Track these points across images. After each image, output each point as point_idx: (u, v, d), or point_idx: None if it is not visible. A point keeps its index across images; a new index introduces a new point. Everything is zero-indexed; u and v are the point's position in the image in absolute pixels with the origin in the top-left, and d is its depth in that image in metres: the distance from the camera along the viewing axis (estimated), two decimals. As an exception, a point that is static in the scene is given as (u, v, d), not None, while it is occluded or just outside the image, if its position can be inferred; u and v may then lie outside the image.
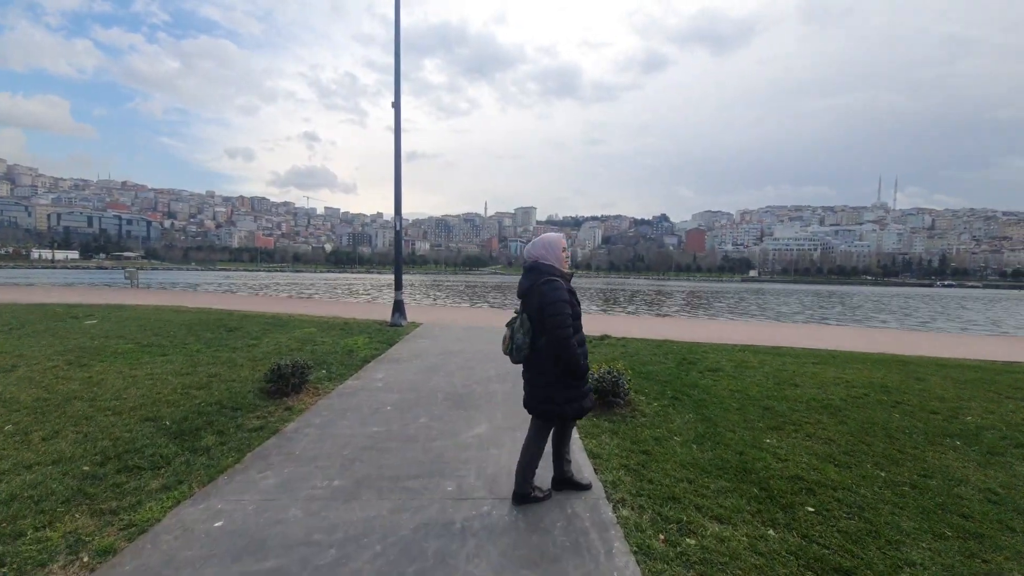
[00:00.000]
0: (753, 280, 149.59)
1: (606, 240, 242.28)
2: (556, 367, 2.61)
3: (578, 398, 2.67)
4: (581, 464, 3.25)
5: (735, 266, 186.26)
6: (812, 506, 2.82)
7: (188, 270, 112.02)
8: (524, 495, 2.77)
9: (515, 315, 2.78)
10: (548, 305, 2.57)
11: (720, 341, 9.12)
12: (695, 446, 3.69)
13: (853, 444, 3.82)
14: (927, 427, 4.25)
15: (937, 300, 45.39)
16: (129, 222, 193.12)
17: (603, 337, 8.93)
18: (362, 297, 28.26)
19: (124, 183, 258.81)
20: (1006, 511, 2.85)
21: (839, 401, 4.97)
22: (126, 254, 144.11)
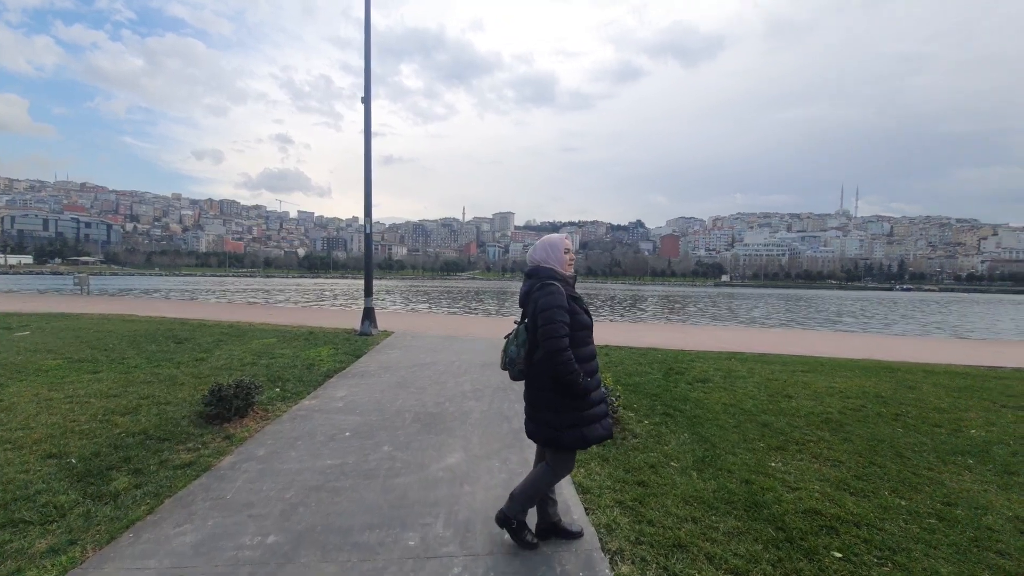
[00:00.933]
0: (725, 285, 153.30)
1: (583, 246, 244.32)
2: (554, 386, 2.20)
3: (579, 424, 2.22)
4: (569, 502, 2.78)
5: (708, 271, 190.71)
6: (838, 550, 2.43)
7: (150, 275, 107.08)
8: (509, 520, 2.32)
9: (516, 325, 2.37)
10: (540, 312, 2.18)
11: (704, 348, 8.84)
12: (695, 473, 3.28)
13: (864, 466, 3.48)
14: (935, 443, 3.96)
15: (898, 304, 47.07)
16: (88, 225, 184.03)
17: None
18: (334, 303, 27.22)
19: (83, 185, 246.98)
20: (1045, 546, 2.52)
21: (838, 414, 4.67)
22: (84, 259, 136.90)
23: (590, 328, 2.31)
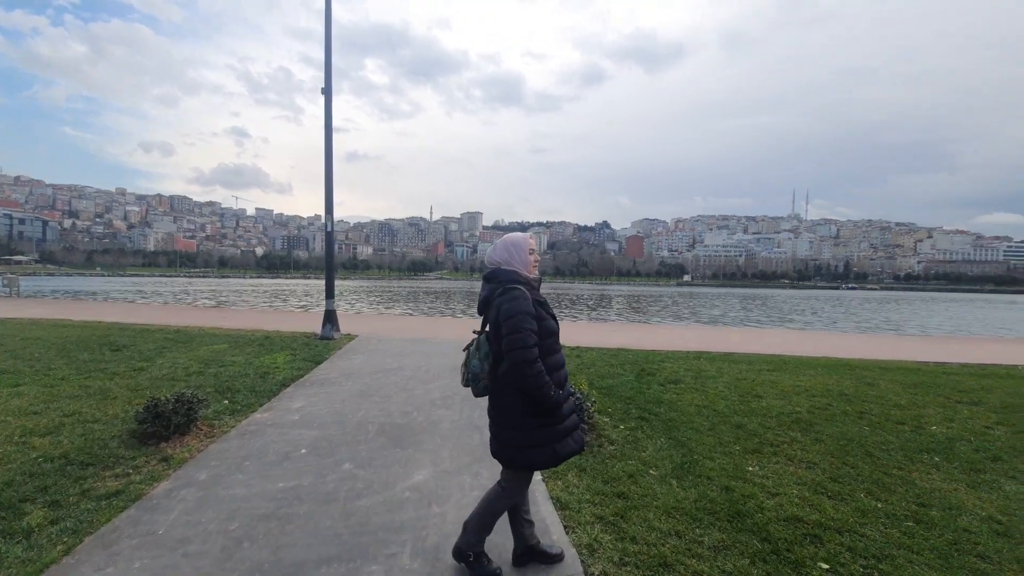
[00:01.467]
0: (687, 284, 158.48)
1: (551, 246, 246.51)
2: (522, 400, 1.99)
3: (550, 441, 2.03)
4: (547, 521, 2.60)
5: (671, 271, 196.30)
6: (824, 560, 2.35)
7: (91, 276, 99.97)
8: (465, 553, 2.12)
9: (475, 335, 2.15)
10: (505, 320, 1.95)
11: (672, 348, 8.90)
12: (675, 481, 3.16)
13: (837, 467, 3.47)
14: (900, 442, 4.03)
15: (845, 302, 49.83)
16: (21, 222, 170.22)
17: (556, 347, 8.40)
18: (294, 305, 26.11)
19: (17, 178, 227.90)
20: (1016, 544, 2.54)
21: (806, 414, 4.71)
22: (16, 258, 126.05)
23: (557, 334, 2.12)
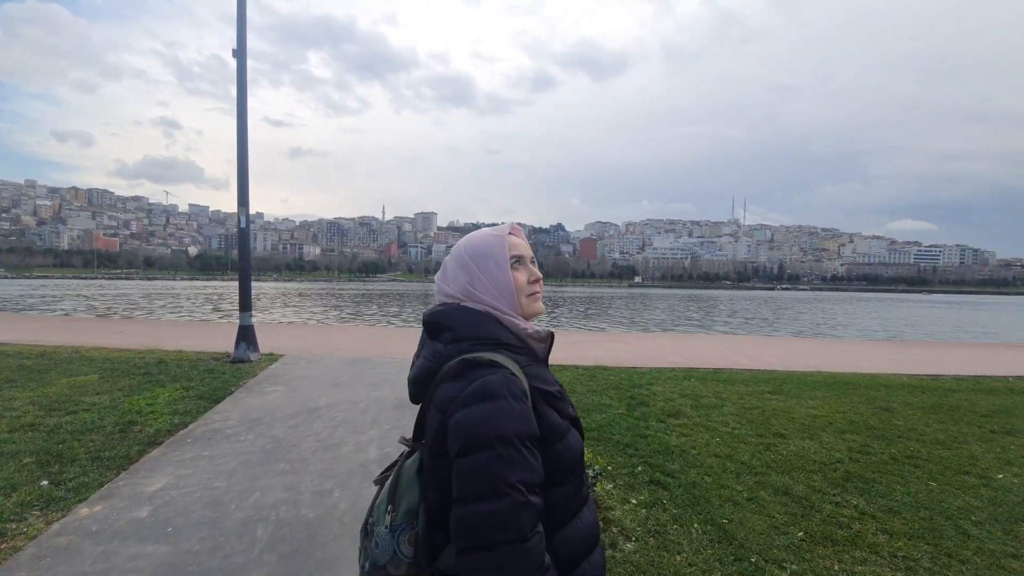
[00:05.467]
0: (638, 286, 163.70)
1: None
2: None
3: None
4: None
5: (623, 272, 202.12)
6: None
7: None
8: None
9: (397, 461, 0.92)
10: (465, 457, 0.76)
11: (654, 364, 7.93)
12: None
13: (943, 565, 2.46)
14: (983, 503, 3.12)
15: (782, 303, 52.26)
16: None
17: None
18: (223, 311, 23.31)
19: None
20: None
21: (850, 463, 3.76)
22: None
23: (582, 458, 0.90)
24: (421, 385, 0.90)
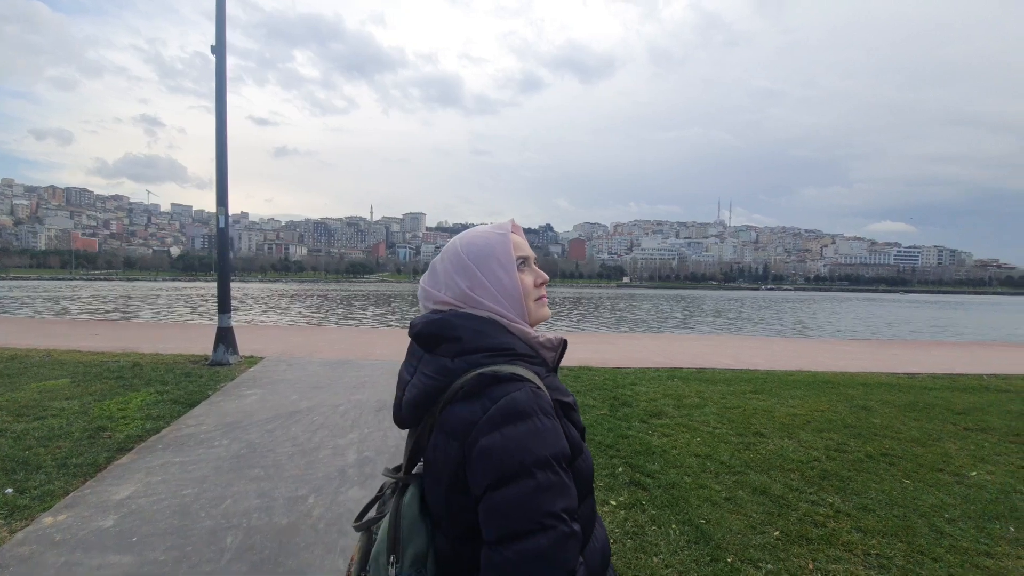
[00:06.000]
0: (627, 286, 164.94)
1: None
2: None
3: None
4: None
5: (611, 273, 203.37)
6: None
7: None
8: None
9: (380, 498, 0.88)
10: (501, 489, 0.65)
11: (639, 364, 7.97)
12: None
13: (916, 562, 2.49)
14: (956, 500, 3.18)
15: (767, 302, 53.14)
16: None
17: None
18: (203, 313, 22.89)
19: None
20: None
21: (827, 461, 3.80)
22: None
23: (592, 476, 0.83)
24: (423, 409, 0.77)
